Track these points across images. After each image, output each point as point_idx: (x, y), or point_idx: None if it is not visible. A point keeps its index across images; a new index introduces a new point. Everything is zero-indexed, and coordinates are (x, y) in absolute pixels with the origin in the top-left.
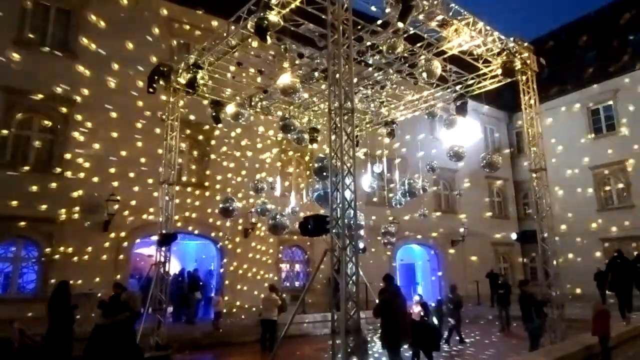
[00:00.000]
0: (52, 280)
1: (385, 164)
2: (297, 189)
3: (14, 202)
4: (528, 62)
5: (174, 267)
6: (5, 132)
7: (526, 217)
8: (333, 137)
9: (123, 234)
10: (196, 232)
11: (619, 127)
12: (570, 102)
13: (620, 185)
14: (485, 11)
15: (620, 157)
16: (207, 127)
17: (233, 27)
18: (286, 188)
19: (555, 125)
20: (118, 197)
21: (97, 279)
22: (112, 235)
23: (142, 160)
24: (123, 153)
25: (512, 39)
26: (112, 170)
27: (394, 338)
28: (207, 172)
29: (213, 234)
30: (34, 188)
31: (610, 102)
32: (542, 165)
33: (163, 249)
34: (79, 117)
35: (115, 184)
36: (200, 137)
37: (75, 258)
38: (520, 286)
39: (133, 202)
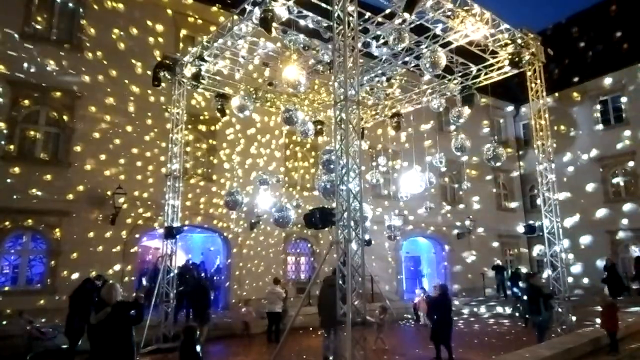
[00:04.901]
0: (65, 272)
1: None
2: (302, 181)
3: (22, 196)
4: (535, 53)
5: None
6: (9, 125)
7: (533, 210)
8: (338, 129)
9: (130, 226)
10: (202, 224)
11: (627, 118)
12: (578, 93)
13: (628, 178)
14: (493, 1)
15: (628, 149)
16: (212, 119)
17: (238, 19)
18: (292, 180)
19: (563, 116)
20: (125, 190)
21: (106, 272)
22: (119, 228)
23: (148, 153)
24: (129, 146)
25: (519, 29)
26: (119, 163)
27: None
28: (213, 165)
29: (219, 226)
30: (41, 181)
31: (619, 94)
32: (549, 157)
33: (169, 241)
34: (85, 110)
35: (122, 177)
36: (206, 130)
37: (83, 251)
38: (527, 279)
39: (140, 195)
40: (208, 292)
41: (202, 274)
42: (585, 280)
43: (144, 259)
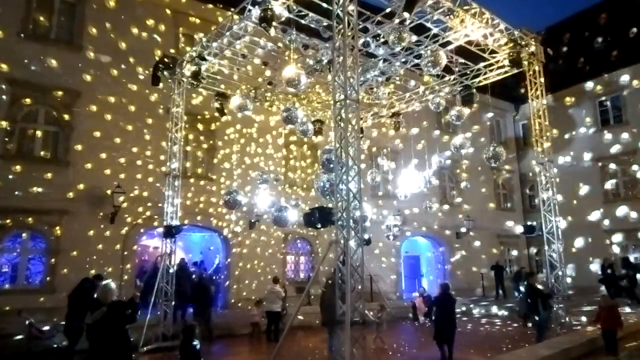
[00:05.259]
0: (65, 271)
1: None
2: (302, 181)
3: (21, 195)
4: (535, 52)
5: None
6: (8, 124)
7: (532, 210)
8: (338, 129)
9: (129, 225)
10: (201, 223)
11: (626, 118)
12: (577, 93)
13: (627, 178)
14: (493, 1)
15: (627, 149)
16: (212, 119)
17: (237, 19)
18: (291, 180)
19: (562, 116)
20: (124, 189)
21: (105, 271)
22: (119, 226)
23: (148, 152)
24: (128, 145)
25: (519, 29)
26: (118, 162)
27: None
28: (212, 164)
29: (218, 226)
30: (41, 180)
31: (619, 94)
32: (548, 157)
33: (168, 240)
34: (84, 109)
35: (122, 176)
36: (205, 129)
37: (83, 250)
38: (526, 278)
39: (139, 194)
40: (209, 290)
41: (202, 273)
42: (578, 282)
43: (144, 257)
